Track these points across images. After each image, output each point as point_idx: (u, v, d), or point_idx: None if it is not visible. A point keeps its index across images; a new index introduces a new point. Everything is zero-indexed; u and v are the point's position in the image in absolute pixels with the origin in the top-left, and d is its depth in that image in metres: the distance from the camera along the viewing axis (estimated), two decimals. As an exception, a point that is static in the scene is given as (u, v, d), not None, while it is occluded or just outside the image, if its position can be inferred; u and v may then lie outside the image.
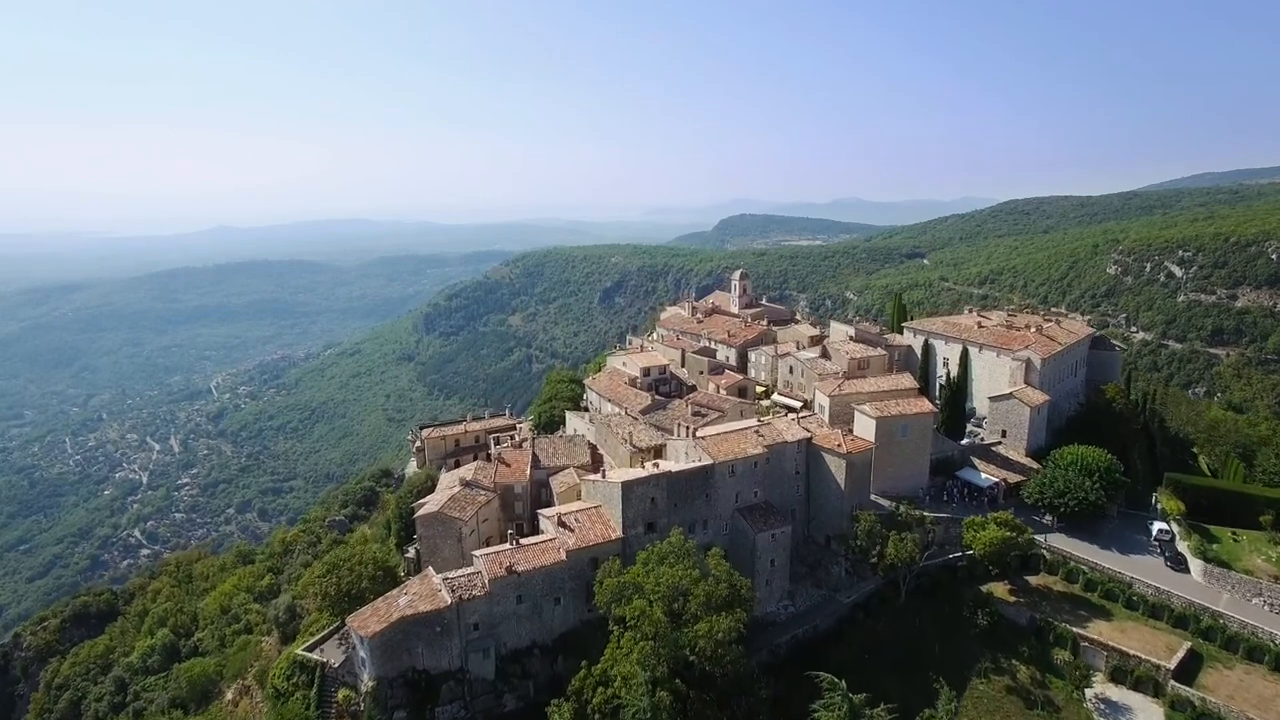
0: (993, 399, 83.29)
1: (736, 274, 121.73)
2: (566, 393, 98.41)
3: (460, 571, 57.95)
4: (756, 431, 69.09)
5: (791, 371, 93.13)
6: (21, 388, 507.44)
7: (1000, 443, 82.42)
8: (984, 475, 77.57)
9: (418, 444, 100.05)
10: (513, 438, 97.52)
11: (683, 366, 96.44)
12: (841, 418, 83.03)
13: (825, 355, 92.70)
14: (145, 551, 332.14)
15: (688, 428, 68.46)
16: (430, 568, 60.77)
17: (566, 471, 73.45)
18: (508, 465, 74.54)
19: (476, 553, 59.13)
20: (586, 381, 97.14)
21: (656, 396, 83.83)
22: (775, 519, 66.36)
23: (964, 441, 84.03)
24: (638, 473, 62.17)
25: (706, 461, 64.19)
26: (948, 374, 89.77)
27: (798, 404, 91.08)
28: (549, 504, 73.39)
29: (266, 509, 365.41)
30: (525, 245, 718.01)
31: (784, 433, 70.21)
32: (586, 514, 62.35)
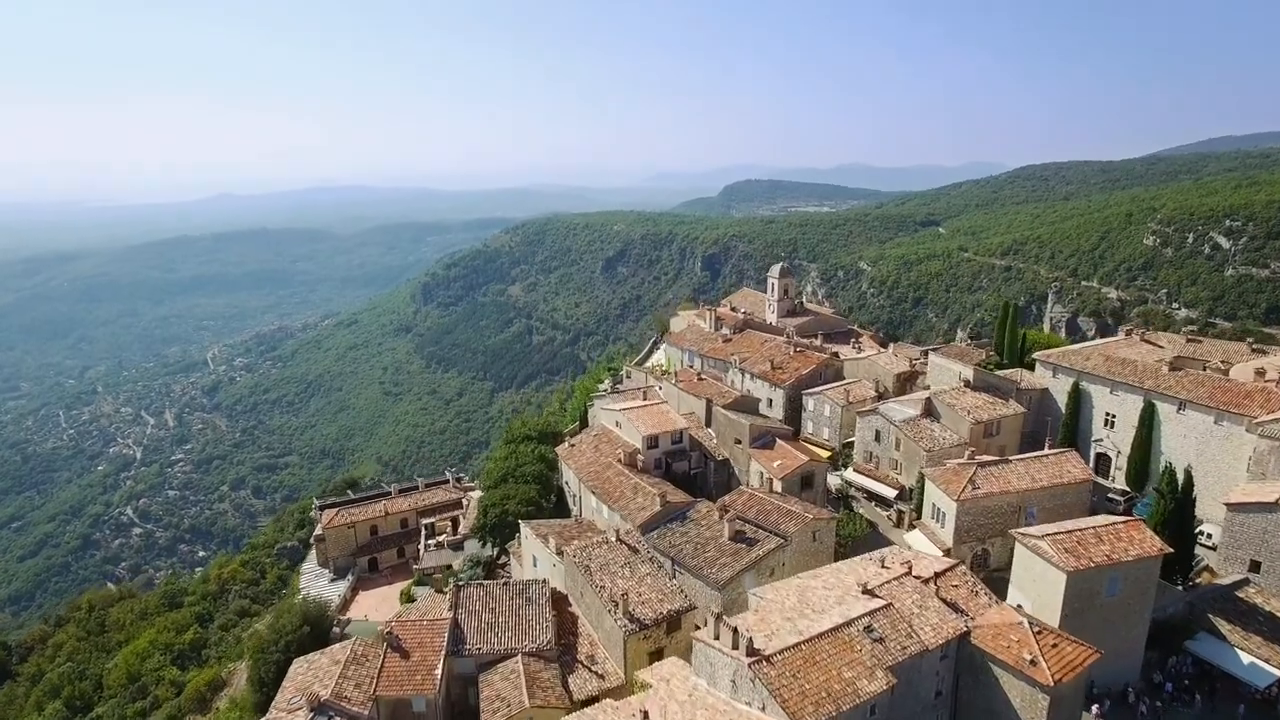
0: (1233, 507, 47.04)
1: (775, 269, 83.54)
2: (530, 466, 59.66)
3: None
4: (867, 628, 33.44)
5: (878, 438, 56.84)
6: (18, 359, 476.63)
7: (1247, 581, 46.63)
8: (1246, 657, 41.86)
9: (318, 531, 64.91)
10: (455, 523, 61.94)
11: (707, 425, 60.06)
12: (974, 533, 47.05)
13: (930, 412, 56.25)
14: (137, 530, 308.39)
15: (734, 630, 32.59)
16: None
17: (512, 665, 38.40)
18: (405, 655, 39.06)
19: None
20: (562, 453, 60.44)
21: (667, 498, 47.68)
22: (912, 820, 31.43)
23: (1191, 582, 47.63)
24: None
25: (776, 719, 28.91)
26: (1161, 458, 52.31)
27: (889, 491, 55.07)
28: (474, 714, 38.30)
29: (261, 486, 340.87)
30: (528, 211, 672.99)
31: (915, 625, 34.52)
32: None
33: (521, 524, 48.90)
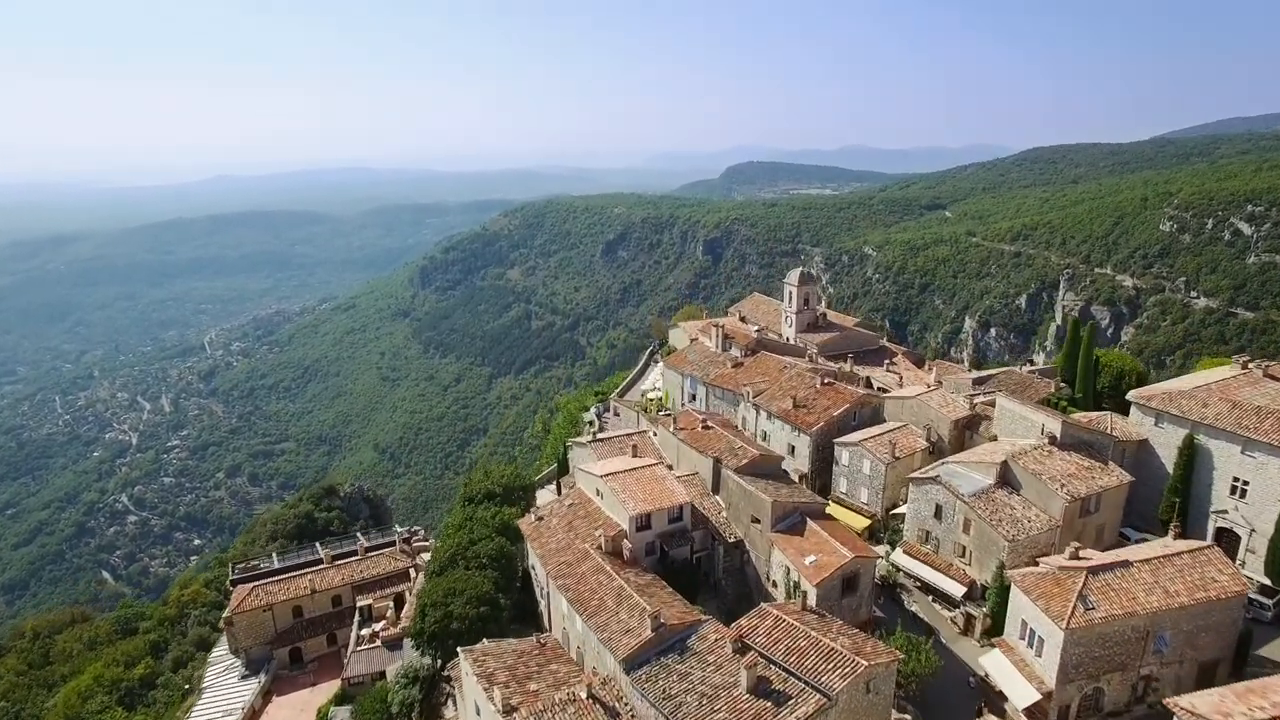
0: None
1: (794, 276, 68.49)
2: (487, 544, 44.34)
3: None
4: None
5: (939, 514, 42.41)
6: (15, 343, 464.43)
7: None
8: None
9: (227, 614, 50.79)
10: (400, 600, 47.61)
11: (715, 493, 45.45)
12: (1085, 669, 32.62)
13: (1008, 480, 41.70)
14: (132, 518, 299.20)
15: None
16: None
17: None
18: None
19: None
20: (526, 530, 45.17)
21: (660, 620, 33.24)
22: None
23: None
24: None
25: None
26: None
27: (956, 588, 40.75)
28: None
29: (257, 473, 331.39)
30: (528, 193, 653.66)
31: None
32: None
33: (460, 654, 34.43)
